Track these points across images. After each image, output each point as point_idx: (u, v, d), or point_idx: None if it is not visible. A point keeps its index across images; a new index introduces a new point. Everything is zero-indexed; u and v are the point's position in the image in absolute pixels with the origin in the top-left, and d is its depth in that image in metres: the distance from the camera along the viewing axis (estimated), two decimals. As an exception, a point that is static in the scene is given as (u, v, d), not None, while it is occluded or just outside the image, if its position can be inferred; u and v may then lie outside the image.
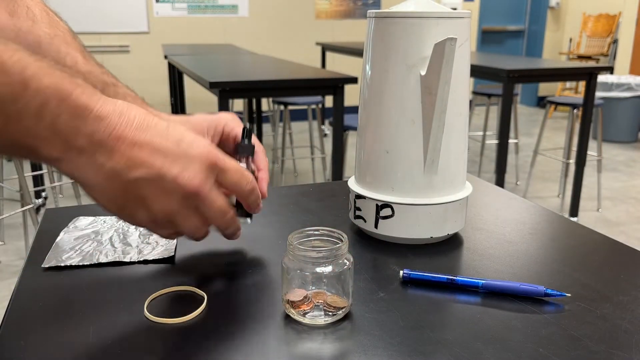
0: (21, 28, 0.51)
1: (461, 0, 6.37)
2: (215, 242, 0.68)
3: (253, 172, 0.61)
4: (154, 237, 0.69)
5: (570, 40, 6.75)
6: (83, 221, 0.74)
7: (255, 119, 4.42)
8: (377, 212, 0.67)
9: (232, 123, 0.62)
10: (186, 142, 0.47)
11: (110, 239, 0.68)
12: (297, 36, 5.78)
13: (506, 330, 0.50)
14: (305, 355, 0.46)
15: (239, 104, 5.32)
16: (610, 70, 3.06)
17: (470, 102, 3.39)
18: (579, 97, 3.48)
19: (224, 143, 0.63)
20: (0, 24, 0.50)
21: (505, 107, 2.71)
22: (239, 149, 0.61)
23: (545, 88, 6.99)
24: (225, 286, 0.57)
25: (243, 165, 0.60)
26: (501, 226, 0.74)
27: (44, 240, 0.68)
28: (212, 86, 2.17)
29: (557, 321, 0.51)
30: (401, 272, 0.59)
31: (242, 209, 0.58)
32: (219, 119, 0.61)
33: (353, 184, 0.71)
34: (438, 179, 0.66)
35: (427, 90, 0.62)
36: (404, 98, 0.63)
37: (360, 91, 0.69)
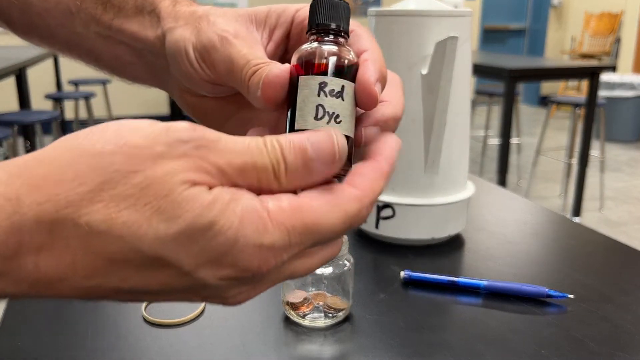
0: None
1: None
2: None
3: (346, 61, 0.28)
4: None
5: (573, 39, 6.74)
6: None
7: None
8: (378, 213, 0.66)
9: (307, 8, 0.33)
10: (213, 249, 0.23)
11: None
12: (299, 35, 5.77)
13: (508, 331, 0.49)
14: (305, 357, 0.46)
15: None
16: (612, 69, 3.04)
17: (472, 101, 3.39)
18: (581, 97, 3.47)
19: (296, 43, 0.34)
20: None
21: (507, 106, 2.70)
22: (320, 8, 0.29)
23: (547, 87, 6.98)
24: (225, 287, 0.57)
25: (329, 48, 0.28)
26: (503, 227, 0.73)
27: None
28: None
29: (559, 322, 0.50)
30: (402, 273, 0.58)
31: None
32: (286, 6, 0.35)
33: (354, 184, 0.71)
34: (439, 179, 0.65)
35: (428, 90, 0.61)
36: (405, 97, 0.63)
37: (361, 91, 0.69)
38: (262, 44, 0.34)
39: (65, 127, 4.46)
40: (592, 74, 2.86)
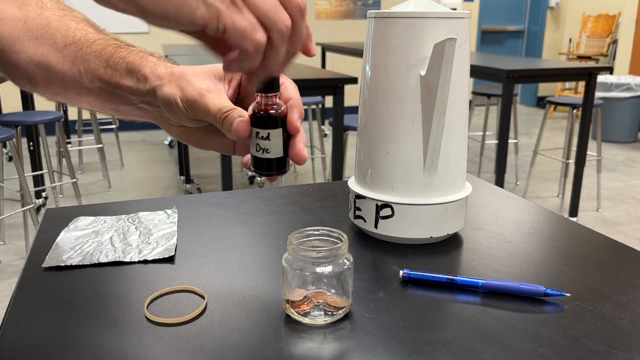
0: (29, 15, 0.52)
1: (461, 1, 6.37)
2: (215, 241, 0.69)
3: (274, 114, 0.48)
4: (154, 237, 0.69)
5: (570, 40, 6.75)
6: (83, 221, 0.74)
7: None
8: (377, 212, 0.67)
9: None
10: None
11: (111, 238, 0.68)
12: (297, 36, 5.77)
13: (506, 330, 0.50)
14: (305, 355, 0.46)
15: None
16: (609, 70, 3.06)
17: (470, 102, 3.40)
18: (579, 97, 3.49)
19: (246, 88, 0.53)
20: (9, 16, 0.51)
21: (505, 107, 2.71)
22: (259, 85, 0.47)
23: (544, 88, 6.99)
24: (225, 286, 0.57)
25: (265, 108, 0.48)
26: (501, 226, 0.74)
27: (44, 240, 0.68)
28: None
29: (556, 321, 0.51)
30: (401, 272, 0.59)
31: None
32: None
33: (353, 184, 0.71)
34: (438, 179, 0.66)
35: (426, 91, 0.62)
36: (404, 98, 0.63)
37: (360, 91, 0.69)
38: (225, 92, 0.50)
39: (69, 128, 4.45)
40: (589, 75, 2.87)
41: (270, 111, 0.47)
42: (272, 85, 0.47)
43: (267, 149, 0.48)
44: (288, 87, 0.50)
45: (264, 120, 0.47)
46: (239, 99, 0.53)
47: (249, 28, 0.39)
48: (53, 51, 0.52)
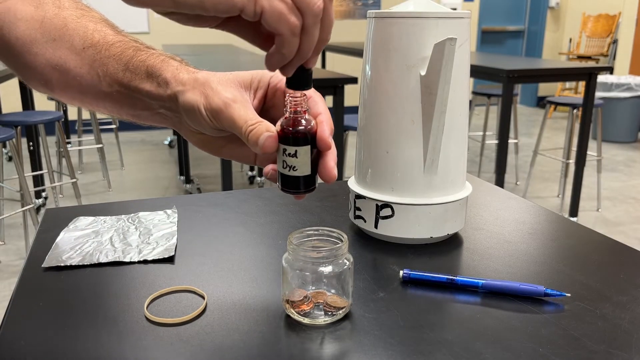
0: (46, 15, 0.50)
1: (461, 1, 6.37)
2: (215, 241, 0.69)
3: (310, 124, 0.46)
4: (154, 237, 0.69)
5: (570, 40, 6.75)
6: (83, 221, 0.74)
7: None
8: (377, 212, 0.67)
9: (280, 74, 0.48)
10: None
11: (111, 239, 0.68)
12: (297, 36, 5.77)
13: (506, 330, 0.50)
14: (305, 355, 0.46)
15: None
16: (610, 70, 3.06)
17: (470, 102, 3.40)
18: (579, 97, 3.48)
19: (272, 98, 0.51)
20: (25, 16, 0.50)
21: (505, 107, 2.71)
22: (291, 82, 0.45)
23: (544, 88, 6.99)
24: (225, 286, 0.57)
25: (293, 124, 0.46)
26: (501, 226, 0.74)
27: (44, 240, 0.68)
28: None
29: (556, 321, 0.51)
30: (401, 272, 0.59)
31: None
32: (265, 71, 0.49)
33: (353, 184, 0.71)
34: (438, 179, 0.66)
35: (427, 91, 0.62)
36: (404, 98, 0.63)
37: (360, 91, 0.69)
38: (251, 102, 0.49)
39: (69, 128, 4.45)
40: (589, 75, 2.87)
41: (299, 127, 0.45)
42: (302, 80, 0.44)
43: (294, 167, 0.46)
44: (317, 102, 0.48)
45: (292, 136, 0.45)
46: (264, 109, 0.51)
47: (285, 10, 0.39)
48: (71, 54, 0.50)
